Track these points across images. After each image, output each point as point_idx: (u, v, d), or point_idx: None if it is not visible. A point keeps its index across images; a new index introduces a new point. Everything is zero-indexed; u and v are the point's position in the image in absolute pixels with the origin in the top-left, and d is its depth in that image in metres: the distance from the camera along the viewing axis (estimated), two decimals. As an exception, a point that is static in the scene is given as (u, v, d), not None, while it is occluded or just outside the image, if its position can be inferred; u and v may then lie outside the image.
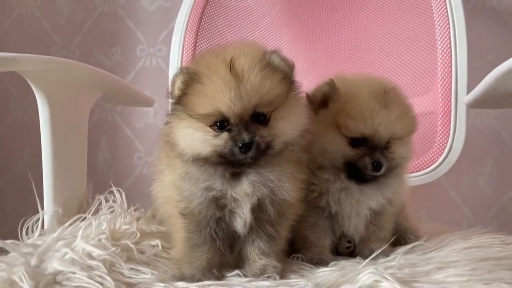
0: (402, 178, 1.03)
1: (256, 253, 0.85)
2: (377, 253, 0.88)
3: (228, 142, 0.77)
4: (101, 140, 2.13)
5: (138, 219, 1.10)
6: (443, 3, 1.45)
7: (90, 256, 0.82)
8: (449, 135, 1.42)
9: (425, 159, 1.44)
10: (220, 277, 0.81)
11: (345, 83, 0.94)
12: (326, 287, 0.72)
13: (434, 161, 1.43)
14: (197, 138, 0.79)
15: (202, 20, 1.69)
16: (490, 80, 1.00)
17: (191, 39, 1.63)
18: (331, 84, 0.93)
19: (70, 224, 0.98)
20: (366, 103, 0.89)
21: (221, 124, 0.78)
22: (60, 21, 2.15)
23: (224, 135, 0.78)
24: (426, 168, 1.44)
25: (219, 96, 0.76)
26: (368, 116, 0.88)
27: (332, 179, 0.95)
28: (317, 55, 1.68)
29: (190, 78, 0.78)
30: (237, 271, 0.82)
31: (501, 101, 1.10)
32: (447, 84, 1.41)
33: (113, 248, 0.85)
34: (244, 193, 0.81)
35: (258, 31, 1.75)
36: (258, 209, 0.84)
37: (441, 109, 1.42)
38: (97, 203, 1.06)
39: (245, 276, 0.81)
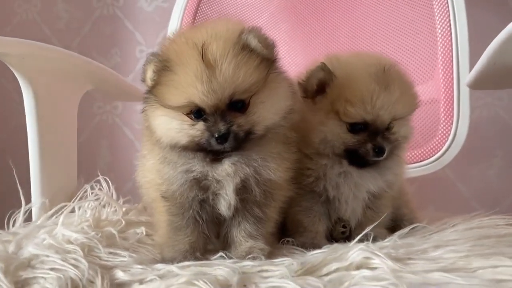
0: (402, 159, 0.98)
1: (242, 236, 0.81)
2: (368, 230, 0.84)
3: (205, 132, 0.73)
4: (101, 142, 2.11)
5: (128, 211, 1.06)
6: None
7: (69, 241, 0.78)
8: (452, 121, 1.37)
9: (429, 148, 1.39)
10: (203, 260, 0.77)
11: (340, 64, 0.88)
12: (313, 265, 0.68)
13: (438, 149, 1.38)
14: (173, 128, 0.75)
15: (197, 17, 1.67)
16: (489, 53, 0.95)
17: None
18: (325, 69, 0.87)
19: (54, 213, 0.95)
20: (365, 86, 0.83)
21: (197, 113, 0.74)
22: (59, 25, 2.15)
23: (200, 125, 0.74)
24: (430, 157, 1.39)
25: (190, 89, 0.71)
26: (368, 101, 0.83)
27: (331, 164, 0.91)
28: (316, 47, 1.65)
29: (161, 66, 0.73)
30: (221, 253, 0.77)
31: (502, 79, 1.05)
32: (448, 70, 1.37)
33: (93, 233, 0.81)
34: (225, 173, 0.77)
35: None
36: (243, 190, 0.79)
37: (443, 95, 1.38)
38: (83, 191, 1.02)
39: (230, 258, 0.76)
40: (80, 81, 1.15)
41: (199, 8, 1.68)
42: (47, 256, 0.72)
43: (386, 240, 0.82)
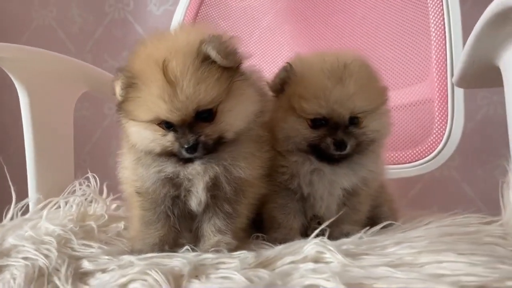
0: (378, 156, 0.98)
1: (212, 230, 0.83)
2: (324, 225, 0.85)
3: (175, 143, 0.77)
4: (112, 142, 2.18)
5: (118, 208, 1.11)
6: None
7: (47, 233, 0.83)
8: (447, 121, 1.35)
9: (424, 148, 1.38)
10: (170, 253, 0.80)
11: (301, 63, 0.91)
12: (268, 258, 0.70)
13: (433, 149, 1.37)
14: (146, 137, 0.79)
15: (197, 19, 1.71)
16: (465, 52, 0.95)
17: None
18: (288, 69, 0.90)
19: (44, 207, 1.00)
20: (317, 82, 0.85)
21: (167, 123, 0.77)
22: (73, 30, 2.24)
23: (171, 135, 0.77)
24: (425, 157, 1.38)
25: (155, 107, 0.74)
26: (321, 96, 0.85)
27: (301, 161, 0.92)
28: (319, 48, 1.66)
29: (128, 83, 0.76)
30: (187, 246, 0.80)
31: (485, 78, 1.03)
32: (442, 69, 1.36)
33: (71, 226, 0.86)
34: (195, 172, 0.80)
35: (259, 29, 1.75)
36: (214, 188, 0.82)
37: (437, 95, 1.37)
38: (72, 187, 1.07)
39: (195, 251, 0.79)
40: (74, 83, 1.21)
41: (200, 11, 1.72)
42: (23, 246, 0.77)
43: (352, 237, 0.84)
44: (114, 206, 1.11)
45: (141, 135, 0.79)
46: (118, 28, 2.19)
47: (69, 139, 1.23)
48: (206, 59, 0.74)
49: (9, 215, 0.98)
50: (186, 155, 0.77)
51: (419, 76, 1.44)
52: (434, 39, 1.38)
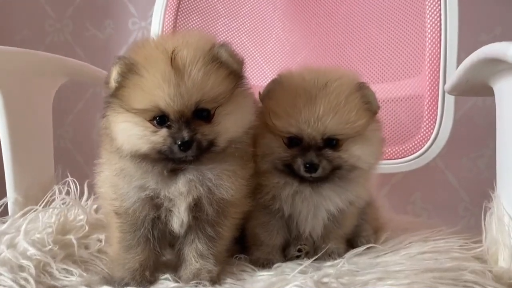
0: (363, 184, 0.94)
1: (193, 255, 0.82)
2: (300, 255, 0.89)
3: (167, 139, 0.73)
4: (95, 115, 2.13)
5: (99, 209, 1.08)
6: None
7: (25, 256, 0.81)
8: (436, 119, 1.33)
9: (411, 145, 1.37)
10: (152, 280, 0.80)
11: (290, 77, 0.89)
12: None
13: (421, 146, 1.36)
14: (135, 134, 0.75)
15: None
16: (461, 71, 0.92)
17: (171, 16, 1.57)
18: (276, 81, 0.89)
19: (22, 215, 0.98)
20: (289, 99, 0.84)
21: (160, 119, 0.74)
22: (53, -6, 2.12)
23: (163, 131, 0.74)
24: (412, 154, 1.37)
25: (157, 92, 0.71)
26: (291, 113, 0.83)
27: (282, 183, 0.90)
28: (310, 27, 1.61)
29: (128, 69, 0.73)
30: (167, 275, 0.80)
31: (477, 91, 1.02)
32: (435, 67, 1.32)
33: (51, 246, 0.84)
34: (178, 192, 0.78)
35: (249, 3, 1.68)
36: (196, 209, 0.80)
37: (428, 92, 1.34)
38: (50, 194, 1.05)
39: (176, 281, 0.79)
40: (51, 77, 1.16)
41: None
42: (1, 274, 0.75)
43: (333, 263, 0.84)
44: (94, 207, 1.09)
45: (129, 132, 0.75)
46: (100, -6, 2.08)
47: (48, 134, 1.19)
48: (215, 60, 0.75)
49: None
50: (177, 153, 0.73)
51: (411, 71, 1.40)
52: (429, 36, 1.34)
